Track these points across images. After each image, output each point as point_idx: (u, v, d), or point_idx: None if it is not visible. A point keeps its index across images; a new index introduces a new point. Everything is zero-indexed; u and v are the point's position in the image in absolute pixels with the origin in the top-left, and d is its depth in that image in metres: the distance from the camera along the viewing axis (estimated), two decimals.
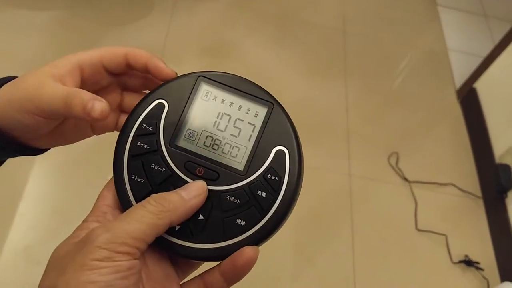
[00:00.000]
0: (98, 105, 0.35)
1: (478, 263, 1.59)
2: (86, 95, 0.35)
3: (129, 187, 0.37)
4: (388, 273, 1.55)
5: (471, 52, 2.21)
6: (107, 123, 0.42)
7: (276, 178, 0.36)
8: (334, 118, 1.86)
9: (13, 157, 0.40)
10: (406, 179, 1.73)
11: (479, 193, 1.77)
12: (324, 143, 1.77)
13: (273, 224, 0.36)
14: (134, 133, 0.38)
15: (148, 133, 0.38)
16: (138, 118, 0.38)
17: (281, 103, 0.40)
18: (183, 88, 0.39)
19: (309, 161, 1.72)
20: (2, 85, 0.37)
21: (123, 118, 0.41)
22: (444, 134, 1.93)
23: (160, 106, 0.38)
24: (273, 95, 0.40)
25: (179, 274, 0.38)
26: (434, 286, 1.56)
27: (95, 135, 0.43)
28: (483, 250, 1.65)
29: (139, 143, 0.37)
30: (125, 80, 0.42)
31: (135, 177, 0.37)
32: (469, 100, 1.97)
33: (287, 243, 1.51)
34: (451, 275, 1.58)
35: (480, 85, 1.93)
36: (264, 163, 0.37)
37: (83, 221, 0.36)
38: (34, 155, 0.41)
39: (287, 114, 0.40)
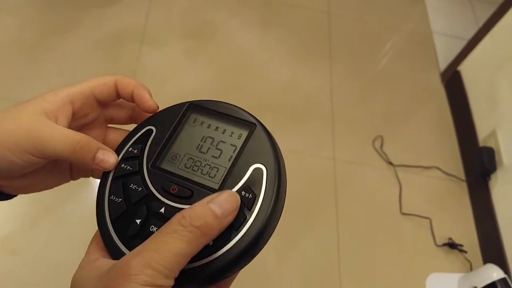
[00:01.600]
0: (111, 157, 0.37)
1: (461, 245, 1.60)
2: (95, 144, 0.37)
3: (107, 206, 0.37)
4: (372, 256, 1.55)
5: (455, 34, 2.20)
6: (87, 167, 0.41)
7: (250, 196, 0.35)
8: (319, 101, 1.84)
9: None
10: (390, 163, 1.73)
11: (463, 176, 1.78)
12: (308, 127, 1.75)
13: (245, 245, 0.33)
14: (122, 157, 0.39)
15: (133, 156, 0.39)
16: (128, 143, 0.40)
17: (264, 124, 0.39)
18: (172, 115, 0.40)
19: (293, 145, 1.72)
20: None
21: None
22: (428, 117, 1.92)
23: (149, 132, 0.40)
24: (256, 117, 0.39)
25: None
26: (418, 269, 1.57)
27: (71, 181, 0.43)
28: (467, 233, 1.66)
29: (123, 165, 0.38)
30: (112, 112, 0.42)
31: (113, 197, 0.37)
32: (453, 83, 1.97)
33: None
34: (435, 258, 1.59)
35: (464, 68, 1.93)
36: (239, 180, 0.36)
37: (87, 258, 0.35)
38: (1, 200, 0.40)
39: (270, 133, 0.39)
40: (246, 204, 0.34)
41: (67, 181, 0.42)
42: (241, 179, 0.36)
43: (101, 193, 0.38)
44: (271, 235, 0.36)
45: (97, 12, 1.83)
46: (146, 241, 0.31)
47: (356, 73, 1.97)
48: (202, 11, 1.97)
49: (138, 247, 0.31)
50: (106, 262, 0.33)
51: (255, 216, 0.34)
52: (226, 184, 0.36)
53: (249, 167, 0.36)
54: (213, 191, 0.36)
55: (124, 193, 0.37)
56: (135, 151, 0.39)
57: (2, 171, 0.36)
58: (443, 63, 2.06)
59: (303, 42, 2.00)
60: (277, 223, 0.36)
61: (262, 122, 0.39)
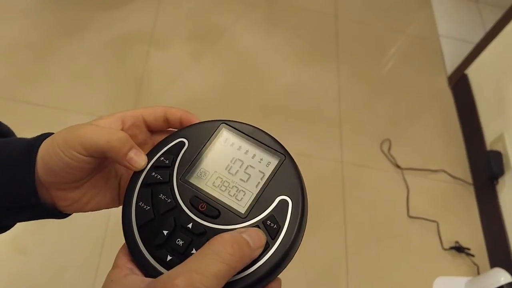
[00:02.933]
0: (142, 159, 0.39)
1: (468, 249, 1.60)
2: (130, 142, 0.39)
3: (134, 211, 0.38)
4: (379, 259, 1.55)
5: (462, 38, 2.20)
6: None
7: (275, 226, 0.36)
8: (326, 104, 1.84)
9: (29, 220, 0.42)
10: (398, 166, 1.73)
11: (470, 180, 1.77)
12: (315, 129, 1.76)
13: (265, 271, 0.35)
14: (152, 165, 0.40)
15: (164, 165, 0.40)
16: (159, 151, 0.41)
17: (292, 157, 0.41)
18: (205, 131, 0.42)
19: (300, 148, 1.72)
20: (45, 138, 0.40)
21: None
22: (436, 120, 1.92)
23: (181, 144, 0.41)
24: (286, 148, 0.41)
25: None
26: (425, 272, 1.56)
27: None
28: (474, 236, 1.66)
29: (153, 174, 0.39)
30: (160, 139, 0.44)
31: (141, 204, 0.38)
32: (460, 86, 1.97)
33: None
34: (442, 261, 1.59)
35: (472, 72, 1.93)
36: (266, 209, 0.38)
37: (117, 273, 0.35)
38: (56, 218, 0.42)
39: (297, 167, 0.40)
40: (270, 233, 0.36)
41: (117, 201, 0.44)
42: (267, 208, 0.38)
43: (129, 197, 0.39)
44: (290, 261, 0.37)
45: (105, 15, 1.84)
46: (187, 260, 0.32)
47: (363, 76, 1.97)
48: (209, 14, 1.98)
49: (179, 266, 0.32)
50: (138, 280, 0.34)
51: (277, 246, 0.36)
52: (252, 210, 0.38)
53: (276, 197, 0.38)
54: (240, 215, 0.37)
55: (152, 201, 0.38)
56: (167, 161, 0.40)
57: (56, 172, 0.38)
58: (450, 67, 2.06)
59: (310, 45, 2.00)
60: (296, 251, 0.37)
61: (291, 154, 0.41)
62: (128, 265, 0.36)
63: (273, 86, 1.83)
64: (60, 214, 0.42)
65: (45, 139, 0.40)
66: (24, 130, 1.67)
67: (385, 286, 1.51)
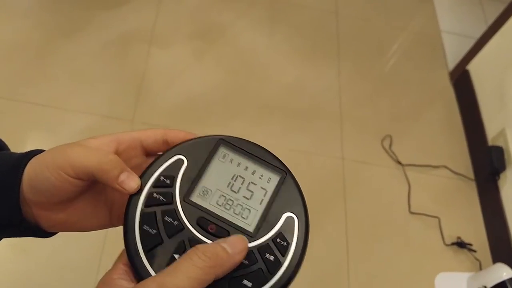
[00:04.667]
0: (134, 182, 0.37)
1: (470, 244, 1.60)
2: (122, 165, 0.37)
3: (139, 236, 0.37)
4: (381, 255, 1.55)
5: (464, 33, 2.20)
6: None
7: (285, 243, 0.38)
8: (327, 101, 1.84)
9: (13, 237, 0.40)
10: (399, 162, 1.73)
11: (471, 175, 1.77)
12: (316, 127, 1.76)
13: (280, 287, 0.37)
14: (151, 184, 0.39)
15: (164, 185, 0.39)
16: (157, 169, 0.39)
17: (292, 173, 0.41)
18: (203, 148, 0.41)
19: (301, 145, 1.72)
20: (33, 156, 0.39)
21: None
22: (437, 116, 1.92)
23: (179, 162, 0.40)
24: (285, 164, 0.42)
25: None
26: (427, 268, 1.56)
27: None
28: (476, 232, 1.66)
29: (155, 195, 0.38)
30: None
31: (146, 227, 0.37)
32: (462, 82, 1.96)
33: None
34: (444, 257, 1.59)
35: (473, 67, 1.92)
36: (273, 227, 0.38)
37: (109, 276, 0.36)
38: (41, 237, 0.41)
39: (297, 183, 0.41)
40: (281, 250, 0.37)
41: (106, 224, 0.43)
42: (275, 226, 0.38)
43: (131, 220, 0.38)
44: (294, 280, 0.38)
45: (105, 14, 1.85)
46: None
47: (364, 72, 1.97)
48: (209, 12, 1.98)
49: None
50: (125, 284, 0.35)
51: (289, 262, 0.37)
52: (261, 229, 0.38)
53: (282, 215, 0.39)
54: (249, 233, 0.38)
55: (157, 224, 0.37)
56: (167, 181, 0.39)
57: (41, 192, 0.38)
58: (452, 62, 2.06)
59: (311, 42, 2.00)
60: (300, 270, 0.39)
61: (290, 170, 0.41)
62: (121, 273, 0.36)
63: (274, 84, 1.83)
64: (44, 233, 0.41)
65: (34, 156, 0.39)
66: (24, 130, 1.68)
67: (386, 282, 1.51)
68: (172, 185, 0.39)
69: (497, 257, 1.59)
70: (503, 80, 1.75)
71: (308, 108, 1.80)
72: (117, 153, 0.40)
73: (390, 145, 1.76)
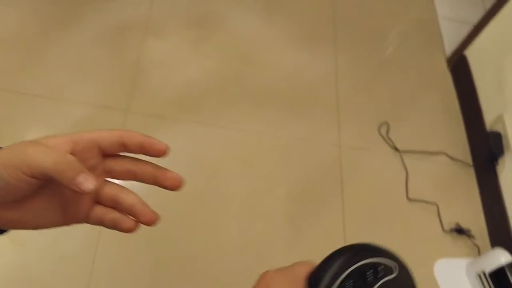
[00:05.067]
0: (91, 183, 0.37)
1: (469, 230, 1.59)
2: (80, 166, 0.37)
3: None
4: (379, 242, 1.54)
5: (461, 19, 2.18)
6: (79, 210, 0.42)
7: None
8: (324, 88, 1.83)
9: None
10: (396, 149, 1.72)
11: (470, 161, 1.76)
12: (313, 114, 1.75)
13: None
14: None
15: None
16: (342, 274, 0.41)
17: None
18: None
19: (299, 132, 1.70)
20: None
21: (98, 209, 0.43)
22: (435, 102, 1.91)
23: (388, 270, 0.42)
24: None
25: None
26: (426, 255, 1.56)
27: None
28: (474, 218, 1.65)
29: None
30: (111, 165, 0.43)
31: None
32: (459, 67, 1.95)
33: (278, 215, 1.50)
34: (443, 243, 1.58)
35: (471, 53, 1.91)
36: None
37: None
38: None
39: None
40: None
41: (60, 223, 0.43)
42: None
43: None
44: None
45: (100, 4, 1.83)
46: None
47: (361, 59, 1.95)
48: (206, 0, 1.96)
49: None
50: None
51: None
52: None
53: None
54: None
55: None
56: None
57: None
58: (449, 48, 2.04)
59: (308, 29, 1.99)
60: None
61: None
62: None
63: (271, 72, 1.82)
64: None
65: None
66: (19, 121, 1.67)
67: None
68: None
69: (495, 243, 1.59)
70: (500, 65, 1.74)
71: (305, 95, 1.79)
72: (73, 153, 0.39)
73: (388, 131, 1.75)
